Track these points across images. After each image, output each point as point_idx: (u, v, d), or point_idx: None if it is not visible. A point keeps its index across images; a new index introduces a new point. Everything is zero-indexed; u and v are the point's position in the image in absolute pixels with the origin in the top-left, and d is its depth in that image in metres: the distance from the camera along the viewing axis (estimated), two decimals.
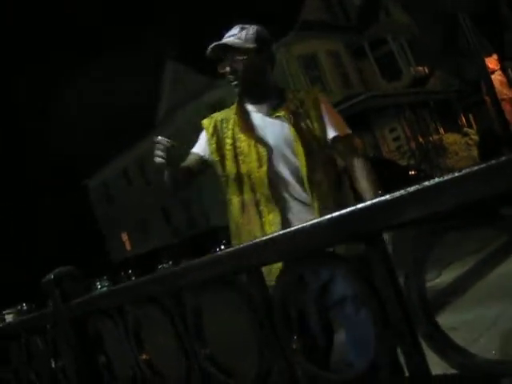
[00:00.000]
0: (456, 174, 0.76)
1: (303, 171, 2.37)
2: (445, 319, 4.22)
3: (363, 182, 2.47)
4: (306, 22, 23.31)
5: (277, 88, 2.62)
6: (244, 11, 25.90)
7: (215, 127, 2.57)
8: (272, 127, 2.46)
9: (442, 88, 25.23)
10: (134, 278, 21.36)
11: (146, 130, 30.19)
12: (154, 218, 31.34)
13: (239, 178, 2.44)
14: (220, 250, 1.17)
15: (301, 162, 2.38)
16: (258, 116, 2.51)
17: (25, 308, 20.40)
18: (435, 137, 23.41)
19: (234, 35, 2.57)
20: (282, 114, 2.44)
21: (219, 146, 2.51)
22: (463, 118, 26.38)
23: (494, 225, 0.80)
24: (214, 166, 2.55)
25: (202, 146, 2.60)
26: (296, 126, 2.41)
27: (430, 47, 26.25)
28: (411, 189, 0.78)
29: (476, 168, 0.75)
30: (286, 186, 2.41)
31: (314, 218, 0.89)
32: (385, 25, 25.96)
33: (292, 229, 0.94)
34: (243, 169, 2.43)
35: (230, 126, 2.52)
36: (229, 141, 2.49)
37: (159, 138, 2.41)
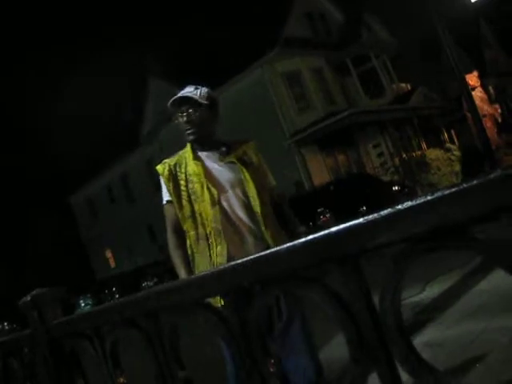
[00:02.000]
0: (428, 198, 0.76)
1: (256, 207, 2.80)
2: (429, 335, 4.24)
3: (293, 218, 3.07)
4: (288, 39, 23.45)
5: (221, 139, 3.08)
6: (227, 28, 26.07)
7: (170, 171, 2.93)
8: (225, 171, 2.88)
9: (424, 104, 25.46)
10: (117, 296, 21.17)
11: (130, 146, 30.16)
12: (138, 235, 31.17)
13: (193, 215, 2.81)
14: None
15: (253, 200, 2.81)
16: (210, 161, 2.92)
17: (6, 328, 20.13)
18: (418, 152, 23.58)
19: (190, 92, 2.98)
20: (232, 159, 2.90)
21: (175, 188, 2.88)
22: (446, 134, 26.63)
23: (469, 247, 0.81)
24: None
25: (166, 192, 2.95)
26: (246, 169, 2.86)
27: (412, 64, 26.55)
28: (384, 212, 0.78)
29: (448, 191, 0.75)
30: (240, 221, 2.81)
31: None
32: (367, 42, 26.19)
33: (268, 252, 0.94)
34: (196, 207, 2.81)
35: (183, 170, 2.90)
36: (183, 182, 2.87)
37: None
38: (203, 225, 2.78)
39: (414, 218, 0.76)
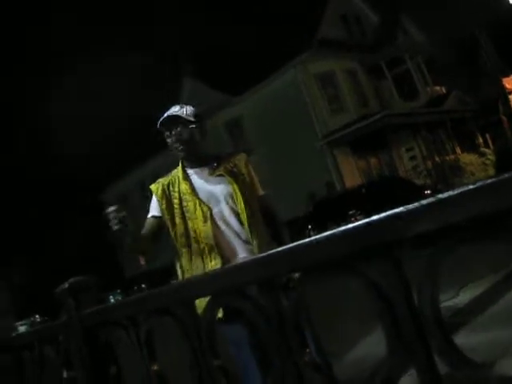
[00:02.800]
0: (468, 187, 0.76)
1: (243, 216, 2.88)
2: (462, 340, 4.18)
3: (281, 229, 3.14)
4: (323, 40, 23.36)
5: (211, 154, 3.16)
6: (261, 28, 26.08)
7: (163, 190, 3.03)
8: (216, 184, 2.96)
9: (458, 107, 25.13)
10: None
11: (162, 143, 30.37)
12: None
13: (187, 233, 2.89)
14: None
15: (241, 211, 2.89)
16: (200, 177, 3.01)
17: (38, 320, 20.46)
18: (452, 156, 23.29)
19: (177, 111, 3.04)
20: (222, 172, 2.97)
21: (168, 207, 2.96)
22: (480, 138, 26.25)
23: (507, 239, 0.80)
24: (166, 223, 2.97)
25: (156, 209, 3.04)
26: (235, 181, 2.94)
27: (448, 67, 26.22)
28: (425, 201, 0.78)
29: (488, 181, 0.75)
30: (233, 233, 2.89)
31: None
32: (402, 44, 25.96)
33: (307, 240, 0.94)
34: (190, 224, 2.89)
35: (176, 189, 2.99)
36: (176, 201, 2.96)
37: (110, 209, 2.83)
38: (197, 241, 2.86)
39: (453, 207, 0.76)
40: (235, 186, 2.93)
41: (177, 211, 2.93)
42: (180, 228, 2.91)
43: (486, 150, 24.42)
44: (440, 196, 0.78)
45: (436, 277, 0.86)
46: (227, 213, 2.90)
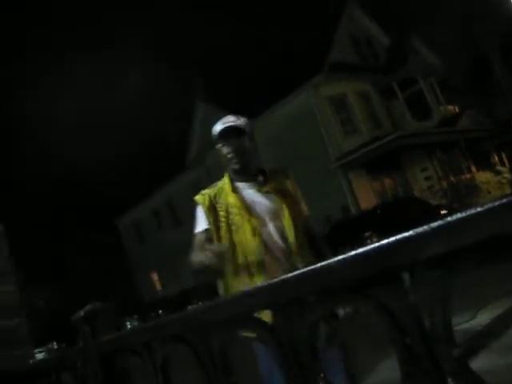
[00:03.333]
0: (479, 209, 0.76)
1: (291, 237, 2.84)
2: (480, 363, 4.12)
3: (325, 248, 3.11)
4: (334, 63, 23.48)
5: (258, 169, 3.08)
6: (273, 53, 26.30)
7: (210, 202, 2.97)
8: (264, 201, 2.91)
9: (472, 127, 25.06)
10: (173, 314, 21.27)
11: (176, 170, 30.57)
12: (184, 258, 31.36)
13: (232, 247, 2.82)
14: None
15: (289, 230, 2.85)
16: (249, 192, 2.95)
17: (55, 347, 20.45)
18: (467, 176, 23.18)
19: (235, 122, 3.01)
20: (269, 189, 2.94)
21: (215, 219, 2.91)
22: (495, 157, 26.14)
23: None
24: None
25: (205, 221, 2.98)
26: (283, 200, 2.92)
27: (460, 86, 26.23)
28: (435, 224, 0.79)
29: (498, 202, 0.75)
30: (278, 251, 2.82)
31: None
32: (414, 65, 26.02)
33: (320, 265, 0.95)
34: (236, 238, 2.83)
35: (223, 201, 2.93)
36: (223, 213, 2.90)
37: (221, 249, 2.75)
38: (244, 256, 2.81)
39: (463, 229, 0.76)
40: (283, 205, 2.90)
41: (223, 224, 2.89)
42: (225, 241, 2.86)
43: (502, 169, 24.27)
44: (450, 218, 0.78)
45: (448, 300, 0.87)
46: (273, 231, 2.87)
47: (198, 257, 2.85)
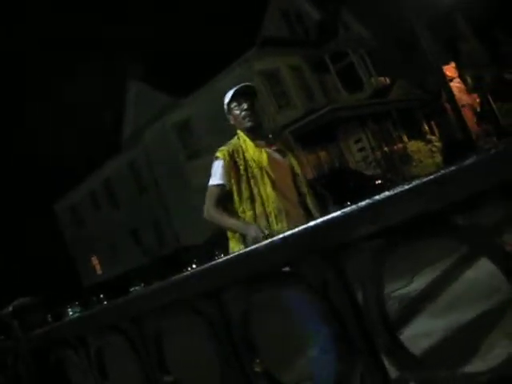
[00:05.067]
0: (405, 187, 0.75)
1: (304, 188, 3.20)
2: (418, 326, 4.24)
3: (327, 195, 3.44)
4: (266, 38, 23.43)
5: (266, 129, 3.40)
6: (206, 29, 26.00)
7: (230, 156, 3.14)
8: (278, 157, 3.20)
9: (403, 97, 25.55)
10: (105, 303, 21.02)
11: (112, 150, 29.98)
12: (123, 240, 31.00)
13: (252, 197, 3.07)
14: (192, 269, 1.15)
15: (302, 182, 3.21)
16: (262, 148, 3.17)
17: None
18: (399, 145, 23.66)
19: (248, 84, 3.29)
20: (280, 147, 3.24)
21: (236, 172, 3.11)
22: (426, 126, 26.76)
23: (449, 236, 0.80)
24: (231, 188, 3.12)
25: (223, 177, 3.13)
26: (294, 156, 3.26)
27: (390, 58, 26.65)
28: (362, 204, 0.77)
29: (425, 180, 0.75)
30: (295, 200, 3.15)
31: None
32: (344, 38, 26.25)
33: (247, 249, 0.93)
34: (255, 189, 3.07)
35: (241, 156, 3.14)
36: (242, 167, 3.11)
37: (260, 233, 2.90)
38: (262, 205, 3.05)
39: (391, 208, 0.75)
40: (294, 160, 3.24)
41: (243, 177, 3.09)
42: (246, 193, 3.07)
43: (432, 137, 24.92)
44: (377, 197, 0.77)
45: (380, 276, 0.86)
46: (290, 183, 3.17)
47: (229, 222, 3.04)
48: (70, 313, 19.43)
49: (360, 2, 29.50)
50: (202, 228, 23.26)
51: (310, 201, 3.18)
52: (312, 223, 0.83)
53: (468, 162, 0.73)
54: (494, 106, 25.16)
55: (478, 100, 25.68)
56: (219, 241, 19.12)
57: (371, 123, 23.21)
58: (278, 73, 23.61)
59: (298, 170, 3.23)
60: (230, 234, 3.12)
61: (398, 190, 0.76)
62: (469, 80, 26.68)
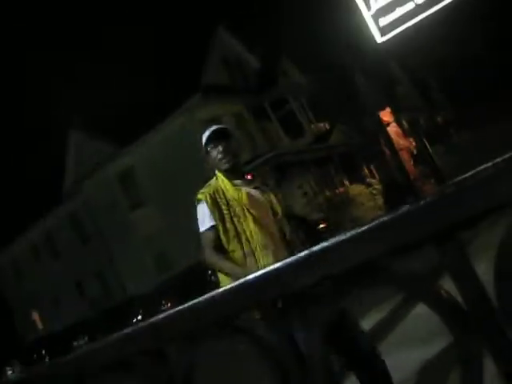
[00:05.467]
0: (343, 237, 0.76)
1: (282, 222, 3.35)
2: None
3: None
4: (207, 86, 23.70)
5: (245, 167, 3.70)
6: (148, 79, 26.12)
7: (212, 198, 3.27)
8: (257, 194, 3.33)
9: (343, 142, 26.11)
10: (48, 359, 20.22)
11: (52, 201, 29.39)
12: (67, 292, 30.13)
13: (238, 235, 3.17)
14: (138, 321, 1.12)
15: (282, 217, 3.36)
16: (244, 187, 3.32)
17: None
18: (341, 189, 24.03)
19: (222, 126, 3.43)
20: (258, 184, 3.41)
21: (219, 212, 3.22)
22: (366, 169, 27.32)
23: (388, 283, 0.81)
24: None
25: (210, 217, 3.25)
26: (271, 192, 3.42)
27: (329, 104, 27.28)
28: (303, 254, 0.78)
29: (363, 228, 0.76)
30: (276, 234, 3.27)
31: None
32: (284, 86, 26.76)
33: (186, 305, 0.92)
34: (239, 227, 3.18)
35: (222, 197, 3.26)
36: (224, 207, 3.23)
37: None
38: (248, 242, 3.16)
39: (330, 257, 0.76)
40: (272, 196, 3.41)
41: (226, 216, 3.21)
42: (231, 231, 3.18)
43: (373, 181, 25.40)
44: (315, 248, 0.78)
45: (324, 323, 0.86)
46: (271, 219, 3.30)
47: (221, 264, 3.19)
48: (9, 372, 18.58)
49: (299, 50, 30.24)
50: (148, 277, 22.95)
51: (290, 238, 3.34)
52: (251, 276, 0.83)
53: (403, 210, 0.75)
54: (429, 148, 25.98)
55: (414, 143, 26.46)
56: (166, 289, 18.83)
57: (314, 168, 23.57)
58: (220, 121, 23.78)
59: (277, 208, 3.37)
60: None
61: (337, 239, 0.77)
62: (405, 124, 27.49)
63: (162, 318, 1.00)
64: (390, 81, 30.16)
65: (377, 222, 0.78)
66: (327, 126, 28.71)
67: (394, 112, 24.93)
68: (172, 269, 21.96)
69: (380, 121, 19.83)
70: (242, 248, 3.17)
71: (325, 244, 0.80)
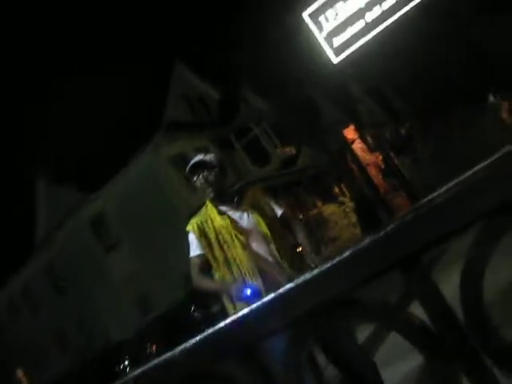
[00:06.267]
0: (306, 277, 0.76)
1: (271, 243, 3.34)
2: None
3: (301, 237, 3.62)
4: (170, 124, 23.72)
5: (232, 190, 3.80)
6: (109, 120, 26.04)
7: (199, 228, 3.42)
8: (243, 218, 3.41)
9: (310, 164, 26.27)
10: None
11: (25, 255, 28.94)
12: (48, 345, 29.53)
13: (227, 262, 3.29)
14: (124, 368, 1.10)
15: (268, 238, 3.35)
16: (230, 212, 3.43)
17: None
18: (314, 211, 24.12)
19: (202, 158, 3.51)
20: (245, 208, 3.45)
21: (207, 241, 3.36)
22: (337, 188, 27.50)
23: (360, 316, 0.81)
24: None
25: (198, 247, 3.42)
26: (258, 213, 3.42)
27: (292, 127, 27.49)
28: (267, 299, 0.78)
29: (325, 266, 0.76)
30: (265, 258, 3.31)
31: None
32: (246, 113, 26.92)
33: (165, 356, 0.90)
34: (229, 254, 3.29)
35: (210, 225, 3.39)
36: (213, 236, 3.36)
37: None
38: (238, 267, 3.25)
39: (294, 300, 0.75)
40: (259, 218, 3.40)
41: (215, 245, 3.34)
42: (221, 259, 3.31)
43: (344, 199, 25.59)
44: (281, 291, 0.78)
45: (299, 364, 0.86)
46: (258, 241, 3.34)
47: (212, 286, 3.48)
48: None
49: (257, 75, 30.51)
50: (131, 320, 22.62)
51: (278, 254, 3.35)
52: (227, 321, 0.82)
53: (367, 241, 0.76)
54: (396, 161, 26.29)
55: (380, 157, 26.75)
56: (150, 331, 18.56)
57: (283, 193, 23.64)
58: (186, 156, 23.70)
59: (263, 228, 3.38)
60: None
61: (304, 278, 0.77)
62: (369, 139, 27.81)
63: (141, 373, 0.99)
64: (350, 99, 30.57)
65: (342, 255, 0.78)
66: (293, 150, 28.87)
67: (358, 129, 25.27)
68: (154, 309, 21.69)
69: (345, 139, 20.09)
70: (233, 272, 3.27)
71: (290, 285, 0.79)
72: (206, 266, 3.39)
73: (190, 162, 3.55)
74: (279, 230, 3.49)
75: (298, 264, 3.39)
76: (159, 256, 21.88)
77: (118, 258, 23.88)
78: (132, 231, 23.03)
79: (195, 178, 3.51)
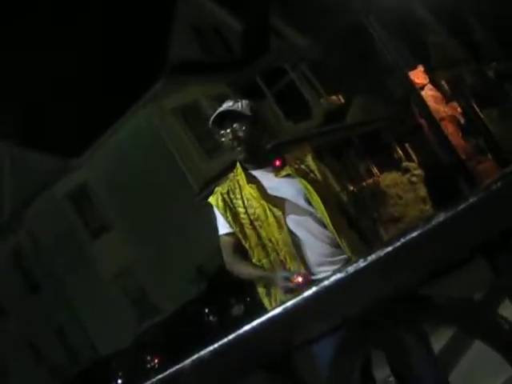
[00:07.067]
0: (360, 264, 0.77)
1: (326, 219, 3.28)
2: None
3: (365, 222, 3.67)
4: (176, 66, 23.37)
5: (274, 151, 3.76)
6: (94, 60, 25.91)
7: (224, 201, 3.41)
8: (284, 187, 3.36)
9: (365, 118, 25.99)
10: None
11: None
12: (18, 359, 29.99)
13: (262, 243, 3.30)
14: None
15: (321, 212, 3.29)
16: (265, 180, 3.41)
17: None
18: (369, 181, 23.85)
19: (230, 106, 3.45)
20: (289, 172, 3.38)
21: (235, 217, 3.36)
22: (399, 151, 27.18)
23: (430, 319, 0.82)
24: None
25: (224, 224, 3.43)
26: (306, 180, 3.34)
27: (340, 71, 27.18)
28: (306, 296, 0.79)
29: (373, 258, 0.77)
30: (313, 236, 3.30)
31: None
32: (278, 51, 26.58)
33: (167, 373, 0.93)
34: (263, 233, 3.29)
35: (238, 196, 3.39)
36: (241, 210, 3.35)
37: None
38: (276, 251, 3.27)
39: (345, 296, 0.77)
40: (308, 185, 3.33)
41: (245, 221, 3.34)
42: (253, 239, 3.32)
43: (410, 165, 25.30)
44: (327, 283, 0.79)
45: (352, 368, 0.88)
46: (304, 216, 3.31)
47: (249, 272, 3.40)
48: None
49: (293, 4, 30.10)
50: (125, 327, 22.82)
51: (335, 232, 3.30)
52: (247, 327, 0.84)
53: (442, 219, 0.76)
54: (480, 113, 25.95)
55: (459, 109, 26.42)
56: (150, 341, 18.77)
57: (328, 157, 23.49)
58: (198, 107, 23.55)
59: (314, 199, 3.31)
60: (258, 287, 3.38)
61: (355, 267, 0.78)
62: (444, 85, 27.45)
63: None
64: (418, 30, 30.10)
65: (407, 237, 0.79)
66: (341, 100, 28.61)
67: (428, 71, 25.01)
68: (155, 313, 21.86)
69: (411, 84, 19.87)
70: (269, 257, 3.29)
71: (339, 276, 0.80)
72: (241, 247, 3.38)
73: (207, 113, 3.47)
74: (334, 206, 3.44)
75: (357, 244, 3.36)
76: (162, 242, 21.95)
77: (106, 246, 23.98)
78: (125, 209, 23.12)
79: (222, 133, 3.45)
